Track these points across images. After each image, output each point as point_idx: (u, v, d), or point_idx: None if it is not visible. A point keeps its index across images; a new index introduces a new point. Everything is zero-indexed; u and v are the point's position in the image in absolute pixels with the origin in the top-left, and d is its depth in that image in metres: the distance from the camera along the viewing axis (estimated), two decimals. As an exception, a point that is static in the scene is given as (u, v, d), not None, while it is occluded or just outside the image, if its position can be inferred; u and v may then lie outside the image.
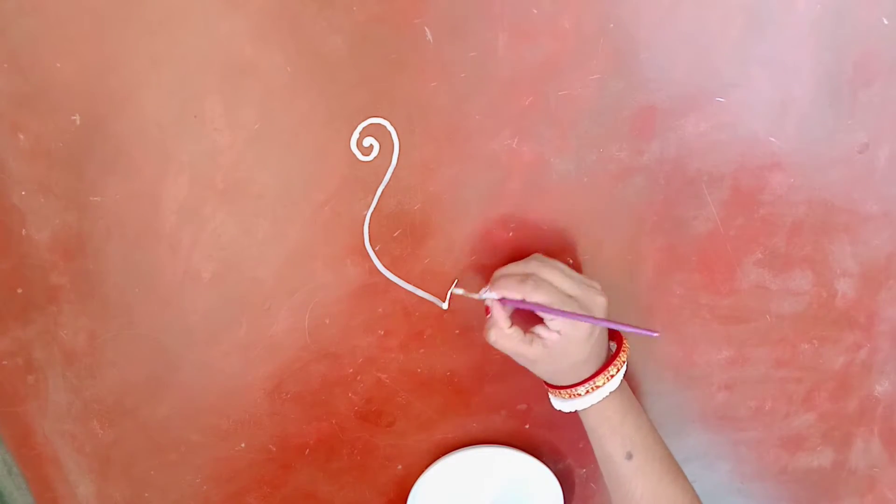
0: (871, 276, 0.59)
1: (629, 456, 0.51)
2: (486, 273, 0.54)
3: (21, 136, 0.44)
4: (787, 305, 0.59)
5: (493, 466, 0.62)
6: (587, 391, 0.50)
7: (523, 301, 0.47)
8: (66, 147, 0.45)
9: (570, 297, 0.48)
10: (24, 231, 0.46)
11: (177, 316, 0.51)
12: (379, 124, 0.48)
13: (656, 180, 0.53)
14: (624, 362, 0.51)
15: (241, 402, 0.55)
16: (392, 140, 0.49)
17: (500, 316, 0.48)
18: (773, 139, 0.53)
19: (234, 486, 0.58)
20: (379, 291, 0.53)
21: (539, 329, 0.49)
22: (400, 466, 0.61)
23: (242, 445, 0.56)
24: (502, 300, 0.48)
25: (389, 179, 0.50)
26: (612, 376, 0.50)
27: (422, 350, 0.56)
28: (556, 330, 0.48)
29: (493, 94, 0.48)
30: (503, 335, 0.49)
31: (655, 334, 0.45)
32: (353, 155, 0.48)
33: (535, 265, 0.49)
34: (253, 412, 0.55)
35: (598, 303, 0.49)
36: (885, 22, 0.49)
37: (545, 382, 0.54)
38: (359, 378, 0.56)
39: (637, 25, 0.48)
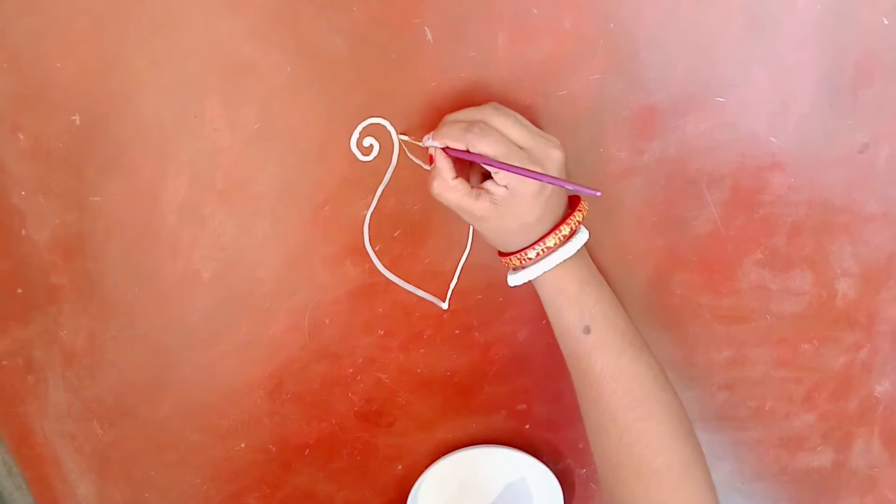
0: (872, 276, 0.59)
1: (587, 330, 0.47)
2: (486, 272, 0.54)
3: (21, 136, 0.44)
4: (787, 305, 0.59)
5: (493, 466, 0.62)
6: (538, 254, 0.46)
7: (466, 151, 0.43)
8: (66, 147, 0.45)
9: (520, 148, 0.43)
10: (24, 231, 0.46)
11: (177, 316, 0.51)
12: (379, 124, 0.48)
13: (656, 180, 0.53)
14: (579, 222, 0.47)
15: (241, 402, 0.55)
16: (392, 140, 0.49)
17: (443, 165, 0.45)
18: (773, 139, 0.53)
19: (234, 486, 0.58)
20: (379, 291, 0.53)
21: (486, 183, 0.45)
22: (400, 466, 0.61)
23: (242, 445, 0.56)
24: (445, 149, 0.45)
25: (389, 179, 0.50)
26: (566, 237, 0.46)
27: (422, 350, 0.56)
28: (503, 184, 0.44)
29: (493, 94, 0.48)
30: (447, 186, 0.45)
31: (597, 193, 0.41)
32: (353, 155, 0.48)
33: (487, 112, 0.44)
34: (253, 412, 0.55)
35: (553, 156, 0.45)
36: (885, 22, 0.49)
37: (498, 252, 0.50)
38: (359, 378, 0.56)
39: (637, 25, 0.48)
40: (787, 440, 0.65)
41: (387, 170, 0.49)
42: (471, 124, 0.44)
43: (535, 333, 0.57)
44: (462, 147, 0.44)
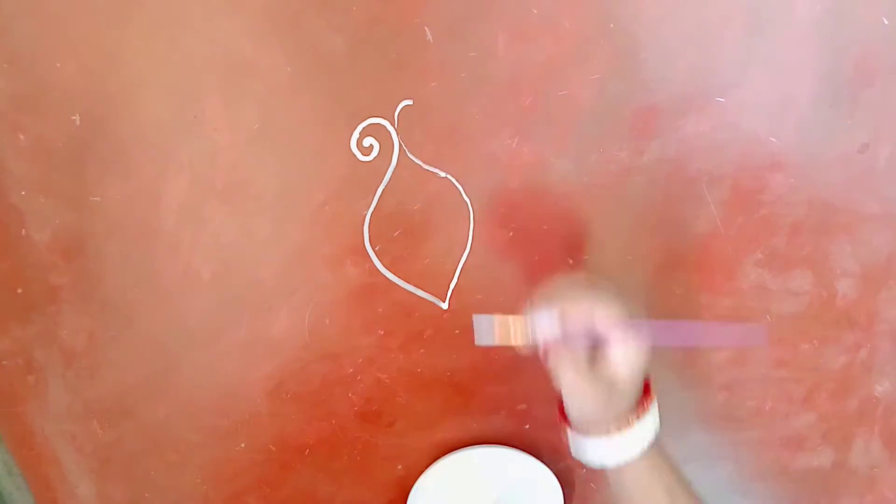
0: (871, 276, 0.59)
1: None
2: (486, 271, 0.54)
3: (21, 136, 0.44)
4: (787, 305, 0.59)
5: (493, 466, 0.62)
6: (619, 429, 0.44)
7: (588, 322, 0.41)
8: (66, 147, 0.45)
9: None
10: (24, 231, 0.46)
11: (177, 316, 0.51)
12: (379, 124, 0.48)
13: (656, 180, 0.53)
14: (653, 401, 0.46)
15: (241, 402, 0.55)
16: (392, 140, 0.49)
17: (575, 342, 0.42)
18: (773, 139, 0.53)
19: (234, 486, 0.58)
20: (379, 291, 0.53)
21: (606, 360, 0.43)
22: (400, 466, 0.61)
23: (242, 445, 0.56)
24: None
25: (389, 179, 0.50)
26: (646, 409, 0.45)
27: (422, 350, 0.56)
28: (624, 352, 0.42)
29: (493, 94, 0.48)
30: (578, 372, 0.42)
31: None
32: (353, 155, 0.48)
33: (581, 283, 0.43)
34: (253, 412, 0.55)
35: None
36: (885, 22, 0.49)
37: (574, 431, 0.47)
38: (359, 378, 0.56)
39: (637, 25, 0.48)
40: (787, 440, 0.65)
41: (387, 170, 0.49)
42: (577, 294, 0.42)
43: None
44: (584, 316, 0.42)
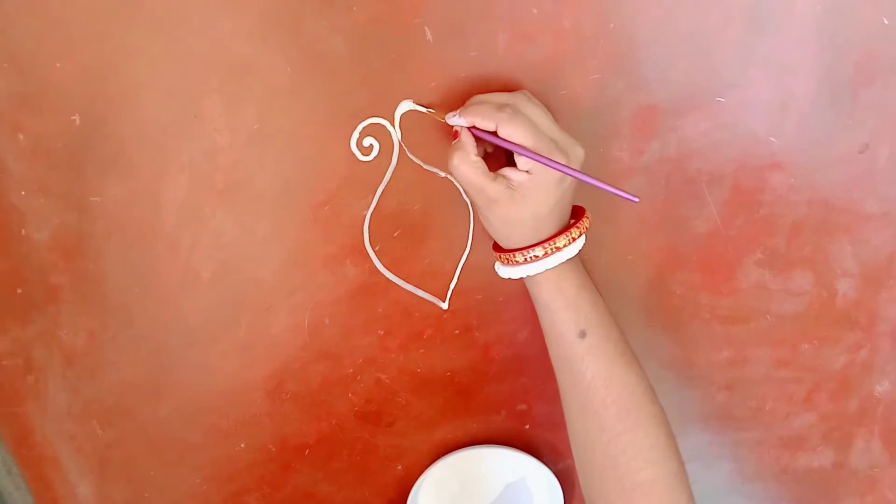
0: (872, 276, 0.59)
1: (582, 334, 0.46)
2: (485, 271, 0.54)
3: (21, 136, 0.44)
4: (787, 305, 0.59)
5: (493, 466, 0.62)
6: (545, 253, 0.45)
7: (495, 134, 0.43)
8: (66, 147, 0.45)
9: (549, 138, 0.43)
10: (24, 231, 0.46)
11: (177, 316, 0.51)
12: (379, 124, 0.48)
13: (656, 180, 0.53)
14: (587, 228, 0.47)
15: (241, 402, 0.55)
16: (392, 140, 0.49)
17: (468, 140, 0.44)
18: (773, 139, 0.53)
19: (234, 486, 0.58)
20: (379, 291, 0.53)
21: (506, 170, 0.44)
22: (400, 466, 0.61)
23: (242, 445, 0.56)
24: (472, 128, 0.44)
25: (389, 179, 0.50)
26: (574, 239, 0.46)
27: (422, 350, 0.56)
28: (525, 169, 0.43)
29: (493, 94, 0.48)
30: (467, 161, 0.43)
31: (636, 199, 0.41)
32: (353, 155, 0.48)
33: (519, 98, 0.44)
34: (253, 412, 0.55)
35: (578, 153, 0.44)
36: (885, 22, 0.49)
37: (494, 246, 0.49)
38: (359, 378, 0.56)
39: (637, 25, 0.48)
40: (787, 440, 0.65)
41: (387, 170, 0.49)
42: (501, 106, 0.43)
43: (535, 333, 0.57)
44: (492, 126, 0.43)
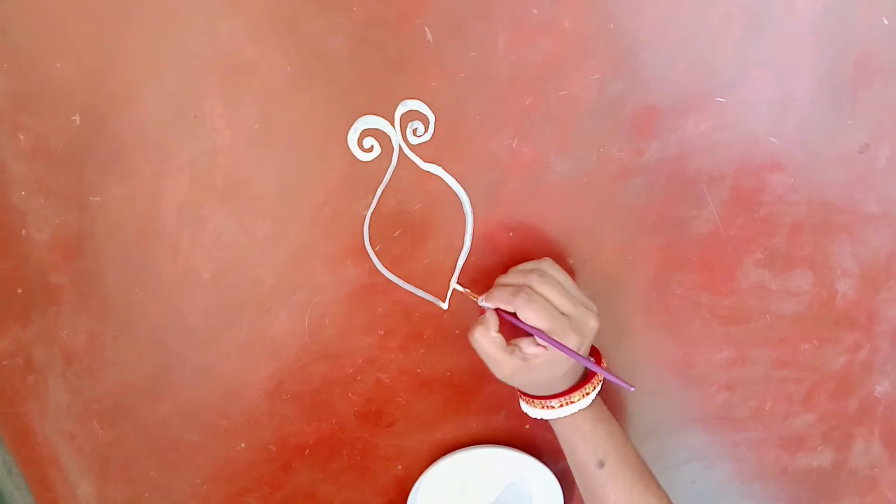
0: (871, 276, 0.59)
1: (601, 464, 0.50)
2: (485, 272, 0.54)
3: (21, 136, 0.44)
4: (787, 305, 0.59)
5: (493, 466, 0.62)
6: (560, 405, 0.50)
7: (514, 316, 0.47)
8: (66, 147, 0.45)
9: (563, 314, 0.47)
10: (24, 231, 0.46)
11: (177, 316, 0.51)
12: (379, 124, 0.48)
13: (656, 180, 0.53)
14: (601, 381, 0.51)
15: (241, 402, 0.55)
16: (391, 141, 0.49)
17: (490, 317, 0.48)
18: (773, 139, 0.53)
19: (234, 486, 0.58)
20: (379, 291, 0.53)
21: (522, 342, 0.48)
22: (400, 466, 0.61)
23: (242, 445, 0.56)
24: (497, 310, 0.49)
25: (389, 179, 0.50)
26: (588, 394, 0.50)
27: (422, 350, 0.56)
28: (541, 345, 0.47)
29: (493, 94, 0.48)
30: (487, 336, 0.48)
31: (632, 389, 0.45)
32: (353, 155, 0.48)
33: (534, 277, 0.47)
34: (253, 412, 0.55)
35: (590, 326, 0.48)
36: (885, 22, 0.49)
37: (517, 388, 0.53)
38: (359, 378, 0.56)
39: (637, 25, 0.48)
40: (787, 440, 0.65)
41: (387, 170, 0.49)
42: (518, 289, 0.47)
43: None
44: (510, 310, 0.47)
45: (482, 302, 0.50)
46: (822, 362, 0.62)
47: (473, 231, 0.53)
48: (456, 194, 0.51)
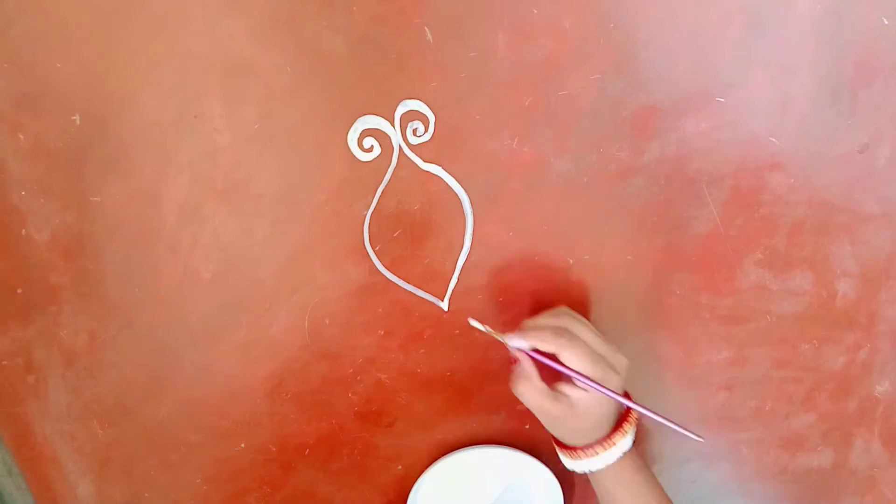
0: (871, 276, 0.59)
1: None
2: (485, 272, 0.54)
3: (21, 136, 0.44)
4: (787, 305, 0.59)
5: (493, 466, 0.62)
6: (604, 448, 0.50)
7: (551, 358, 0.47)
8: (66, 147, 0.45)
9: (602, 358, 0.47)
10: (24, 231, 0.46)
11: (177, 316, 0.51)
12: (379, 124, 0.48)
13: (656, 180, 0.53)
14: (636, 417, 0.52)
15: (241, 402, 0.55)
16: (391, 142, 0.49)
17: (531, 368, 0.48)
18: (773, 139, 0.53)
19: (234, 486, 0.58)
20: (379, 291, 0.53)
21: (564, 387, 0.48)
22: (400, 466, 0.61)
23: (242, 445, 0.56)
24: (534, 352, 0.48)
25: (389, 179, 0.50)
26: (626, 433, 0.51)
27: (422, 350, 0.56)
28: (583, 388, 0.47)
29: (493, 94, 0.48)
30: (533, 388, 0.48)
31: (701, 440, 0.45)
32: (353, 155, 0.48)
33: (567, 320, 0.48)
34: (253, 412, 0.55)
35: (623, 363, 0.49)
36: (885, 22, 0.49)
37: (556, 442, 0.53)
38: (359, 378, 0.56)
39: (637, 25, 0.48)
40: (787, 440, 0.65)
41: (387, 170, 0.49)
42: (558, 330, 0.47)
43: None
44: (552, 350, 0.46)
45: (514, 340, 0.48)
46: (822, 362, 0.62)
47: (473, 231, 0.53)
48: (456, 194, 0.51)
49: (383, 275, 0.53)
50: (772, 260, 0.57)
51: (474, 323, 0.50)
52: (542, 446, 0.62)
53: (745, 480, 0.67)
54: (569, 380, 0.48)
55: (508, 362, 0.51)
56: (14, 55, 0.42)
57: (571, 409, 0.48)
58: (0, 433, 0.52)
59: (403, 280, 0.53)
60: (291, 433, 0.57)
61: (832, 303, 0.59)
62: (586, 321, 0.49)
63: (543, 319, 0.49)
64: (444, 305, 0.55)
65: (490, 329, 0.50)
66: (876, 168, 0.54)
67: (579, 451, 0.51)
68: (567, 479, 0.64)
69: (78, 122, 0.44)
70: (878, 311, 0.60)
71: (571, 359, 0.46)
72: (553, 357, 0.47)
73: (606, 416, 0.49)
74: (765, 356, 0.61)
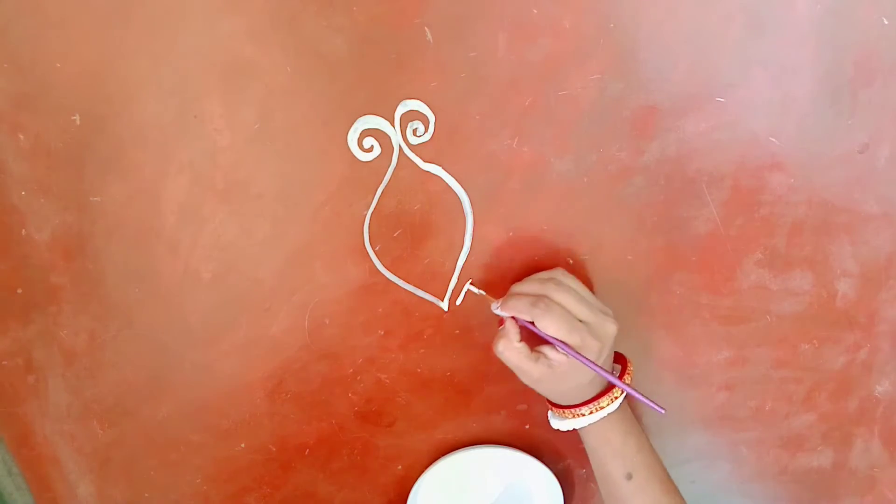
0: (871, 276, 0.59)
1: (629, 476, 0.51)
2: (486, 272, 0.54)
3: (21, 136, 0.44)
4: (787, 305, 0.59)
5: (493, 466, 0.62)
6: (590, 411, 0.51)
7: (532, 324, 0.48)
8: (66, 147, 0.45)
9: (581, 321, 0.48)
10: (24, 231, 0.46)
11: (177, 316, 0.51)
12: (379, 124, 0.48)
13: (656, 180, 0.53)
14: (629, 384, 0.52)
15: (241, 402, 0.55)
16: (391, 142, 0.49)
17: (511, 329, 0.49)
18: (773, 139, 0.53)
19: (234, 486, 0.58)
20: (379, 291, 0.53)
21: (546, 349, 0.49)
22: (400, 466, 0.61)
23: (242, 445, 0.56)
24: (514, 318, 0.49)
25: (389, 179, 0.50)
26: (616, 398, 0.51)
27: (422, 350, 0.56)
28: (563, 353, 0.48)
29: (493, 94, 0.48)
30: (511, 348, 0.49)
31: (662, 411, 0.45)
32: (353, 155, 0.48)
33: (551, 286, 0.48)
34: (253, 412, 0.55)
35: (609, 331, 0.49)
36: (885, 22, 0.49)
37: (547, 400, 0.54)
38: (359, 378, 0.56)
39: (637, 25, 0.48)
40: (787, 440, 0.65)
41: (387, 170, 0.49)
42: (537, 299, 0.47)
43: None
44: (528, 319, 0.48)
45: (497, 310, 0.50)
46: (822, 362, 0.62)
47: (473, 231, 0.53)
48: (456, 194, 0.51)
49: (383, 275, 0.53)
50: (772, 260, 0.57)
51: (471, 287, 0.52)
52: (542, 446, 0.62)
53: (745, 480, 0.67)
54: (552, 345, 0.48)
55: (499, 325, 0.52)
56: (14, 55, 0.42)
57: (551, 371, 0.49)
58: (0, 433, 0.52)
59: (403, 280, 0.53)
60: (291, 433, 0.57)
61: (832, 303, 0.59)
62: (577, 286, 0.50)
63: (527, 285, 0.50)
64: (444, 305, 0.55)
65: (482, 292, 0.53)
66: (876, 168, 0.54)
67: (565, 411, 0.52)
68: (567, 479, 0.64)
69: (78, 122, 0.44)
70: (878, 311, 0.60)
71: (548, 326, 0.47)
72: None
73: (589, 380, 0.50)
74: (765, 356, 0.61)
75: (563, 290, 0.48)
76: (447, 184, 0.51)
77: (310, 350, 0.54)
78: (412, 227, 0.52)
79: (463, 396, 0.59)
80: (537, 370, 0.49)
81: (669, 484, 0.52)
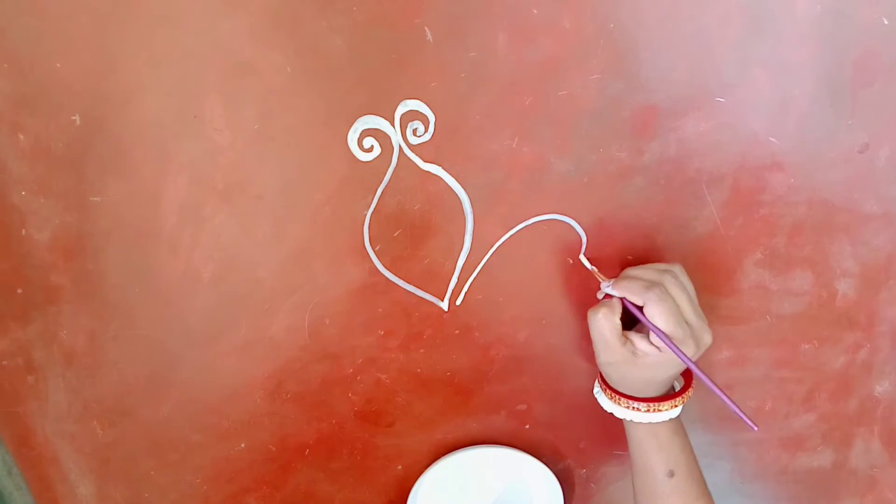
0: (871, 276, 0.59)
1: (671, 474, 0.51)
2: (486, 271, 0.54)
3: (21, 136, 0.44)
4: (787, 305, 0.59)
5: (493, 466, 0.62)
6: (647, 409, 0.50)
7: (641, 310, 0.47)
8: (66, 147, 0.45)
9: (686, 325, 0.47)
10: (24, 231, 0.46)
11: (177, 316, 0.51)
12: (379, 124, 0.48)
13: (656, 180, 0.53)
14: (689, 397, 0.52)
15: (241, 402, 0.55)
16: (391, 142, 0.49)
17: (617, 304, 0.49)
18: (773, 139, 0.53)
19: (234, 486, 0.58)
20: (379, 291, 0.53)
21: (634, 336, 0.48)
22: (400, 466, 0.61)
23: (242, 445, 0.56)
24: (622, 300, 0.49)
25: (389, 179, 0.50)
26: (677, 406, 0.51)
27: (422, 350, 0.56)
28: (656, 346, 0.47)
29: (493, 94, 0.48)
30: (610, 320, 0.48)
31: (755, 428, 0.45)
32: (353, 155, 0.48)
33: (668, 278, 0.48)
34: (253, 412, 0.55)
35: (706, 339, 0.49)
36: (885, 22, 0.49)
37: (601, 380, 0.53)
38: (359, 378, 0.56)
39: (637, 25, 0.48)
40: (787, 440, 0.65)
41: (387, 170, 0.49)
42: (651, 284, 0.47)
43: (535, 334, 0.57)
44: (640, 302, 0.47)
45: (608, 288, 0.49)
46: (822, 362, 0.62)
47: (473, 231, 0.53)
48: (456, 194, 0.51)
49: (383, 275, 0.53)
50: (772, 260, 0.57)
51: (584, 260, 0.53)
52: (542, 446, 0.62)
53: (745, 480, 0.67)
54: (646, 333, 0.48)
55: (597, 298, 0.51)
56: (14, 55, 0.42)
57: (632, 358, 0.48)
58: (0, 433, 0.52)
59: (403, 280, 0.53)
60: (291, 433, 0.57)
61: (832, 303, 0.59)
62: (690, 287, 0.49)
63: (644, 272, 0.49)
64: (444, 305, 0.55)
65: (597, 271, 0.52)
66: (876, 168, 0.54)
67: (621, 399, 0.51)
68: (567, 479, 0.64)
69: (78, 122, 0.44)
70: (878, 311, 0.60)
71: (655, 314, 0.46)
72: (642, 310, 0.47)
73: (662, 380, 0.50)
74: (765, 356, 0.61)
75: (678, 286, 0.48)
76: (447, 184, 0.51)
77: (310, 350, 0.54)
78: (412, 227, 0.52)
79: (463, 396, 0.59)
80: (620, 352, 0.48)
81: (705, 488, 0.52)
